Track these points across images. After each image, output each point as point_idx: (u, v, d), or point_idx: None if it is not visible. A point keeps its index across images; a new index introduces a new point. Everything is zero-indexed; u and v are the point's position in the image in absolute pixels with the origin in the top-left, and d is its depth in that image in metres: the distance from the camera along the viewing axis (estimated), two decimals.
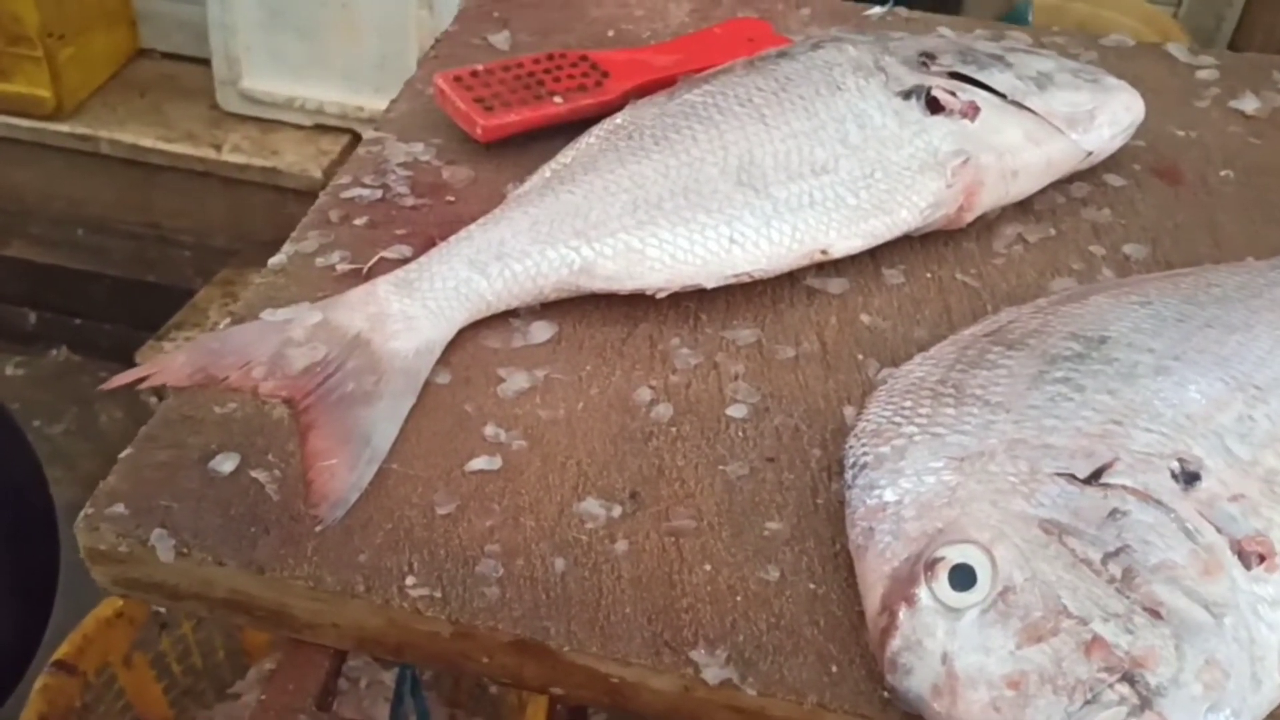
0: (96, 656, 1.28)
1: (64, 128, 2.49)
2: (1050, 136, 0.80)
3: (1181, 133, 0.93)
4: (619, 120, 0.80)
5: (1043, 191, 0.84)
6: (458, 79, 0.86)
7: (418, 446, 0.65)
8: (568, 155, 0.78)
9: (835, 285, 0.77)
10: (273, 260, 0.75)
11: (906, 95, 0.79)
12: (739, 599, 0.59)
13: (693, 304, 0.75)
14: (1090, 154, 0.82)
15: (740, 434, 0.67)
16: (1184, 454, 0.57)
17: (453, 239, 0.73)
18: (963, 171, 0.77)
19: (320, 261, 0.75)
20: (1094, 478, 0.56)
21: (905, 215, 0.76)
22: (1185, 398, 0.60)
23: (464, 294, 0.70)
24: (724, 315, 0.74)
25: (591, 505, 0.62)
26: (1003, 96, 0.80)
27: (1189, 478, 0.56)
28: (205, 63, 2.51)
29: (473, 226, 0.73)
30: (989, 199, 0.79)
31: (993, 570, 0.52)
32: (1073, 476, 0.56)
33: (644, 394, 0.69)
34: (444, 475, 0.63)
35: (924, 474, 0.58)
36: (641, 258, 0.72)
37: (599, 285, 0.72)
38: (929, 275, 0.78)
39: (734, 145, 0.76)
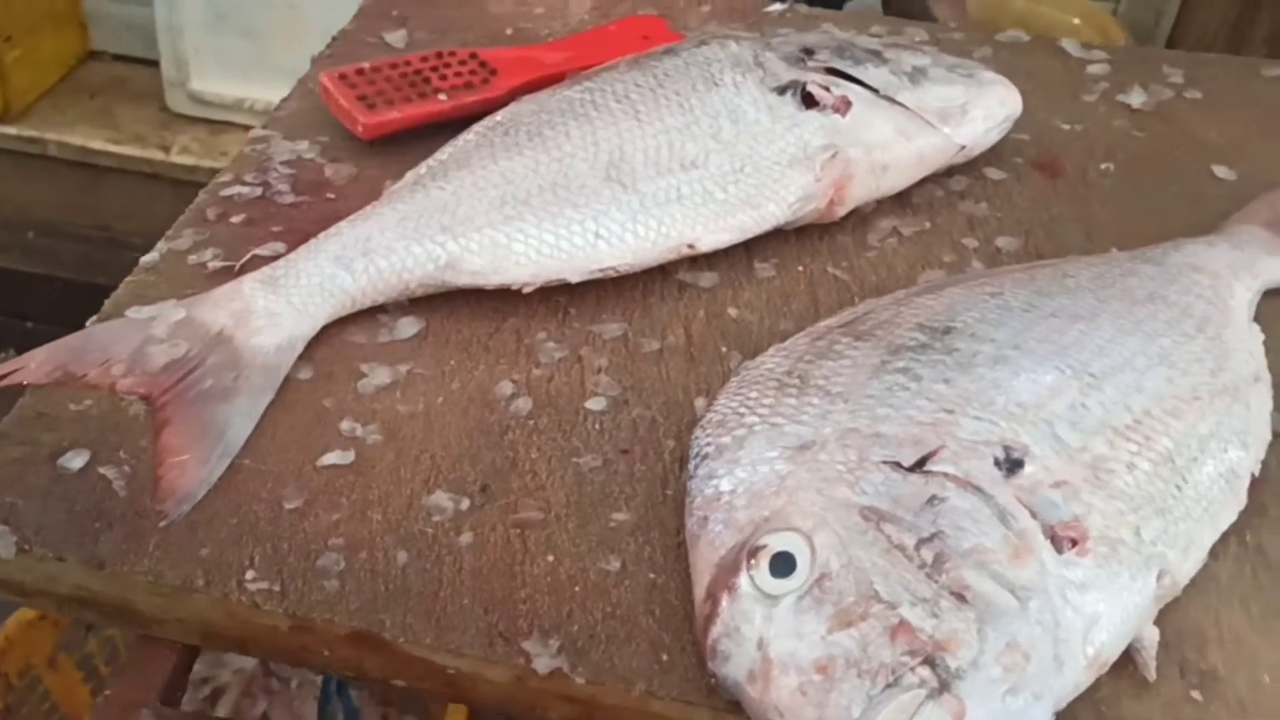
0: (19, 659, 1.28)
1: (11, 130, 2.48)
2: (921, 130, 0.81)
3: (1066, 126, 0.94)
4: (499, 117, 0.81)
5: (921, 185, 0.85)
6: (342, 76, 0.87)
7: (273, 442, 0.65)
8: (445, 152, 0.79)
9: (706, 279, 0.77)
10: (145, 258, 0.76)
11: (782, 90, 0.80)
12: (577, 589, 0.59)
13: (563, 298, 0.75)
14: (964, 147, 0.83)
15: (597, 426, 0.68)
16: (1010, 441, 0.58)
17: (321, 235, 0.73)
18: (830, 165, 0.78)
19: (193, 259, 0.76)
20: (918, 465, 0.57)
21: (773, 209, 0.77)
22: (1019, 386, 0.61)
23: (328, 290, 0.71)
24: (593, 309, 0.75)
25: (440, 498, 0.63)
26: (875, 91, 0.81)
27: (1012, 464, 0.57)
28: (156, 64, 2.51)
29: (342, 223, 0.74)
30: (860, 192, 0.80)
31: (811, 557, 0.53)
32: (898, 464, 0.57)
33: (505, 388, 0.69)
34: (296, 470, 0.64)
35: (759, 464, 0.59)
36: (507, 253, 0.72)
37: (465, 280, 0.72)
38: (800, 268, 0.79)
39: (605, 141, 0.77)
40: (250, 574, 0.59)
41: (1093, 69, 1.00)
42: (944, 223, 0.83)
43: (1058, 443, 0.59)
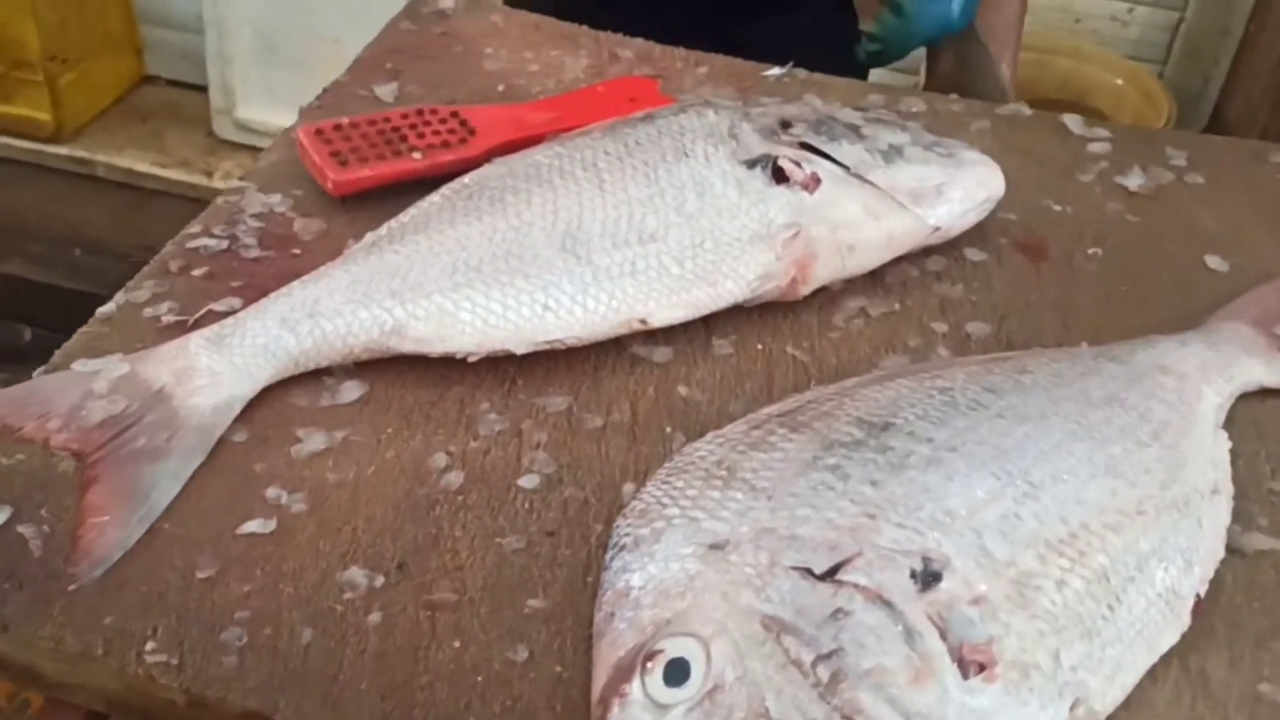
0: None
1: (63, 150, 2.55)
2: (892, 211, 0.79)
3: (1057, 207, 0.91)
4: (466, 179, 0.81)
5: (896, 264, 0.83)
6: (318, 131, 0.87)
7: (196, 505, 0.65)
8: (408, 214, 0.78)
9: (660, 354, 0.76)
10: (101, 309, 0.76)
11: (752, 164, 0.79)
12: (480, 679, 0.58)
13: (512, 368, 0.74)
14: (938, 229, 0.81)
15: (526, 505, 0.66)
16: (931, 552, 0.56)
17: (272, 295, 0.73)
18: (792, 244, 0.76)
19: (148, 312, 0.76)
20: (830, 573, 0.54)
21: (731, 286, 0.75)
22: (950, 492, 0.59)
23: (272, 351, 0.70)
24: (541, 380, 0.74)
25: (355, 574, 0.62)
26: (847, 169, 0.79)
27: (930, 577, 0.55)
28: (206, 91, 2.56)
29: (295, 283, 0.73)
30: (825, 272, 0.78)
31: (707, 667, 0.51)
32: (809, 571, 0.55)
33: (439, 459, 0.68)
34: (215, 537, 0.63)
35: (671, 560, 0.57)
36: (454, 321, 0.72)
37: (409, 348, 0.72)
38: (760, 347, 0.77)
39: (565, 210, 0.76)
40: (150, 645, 0.58)
41: (1093, 147, 0.97)
42: (915, 305, 0.81)
43: (984, 555, 0.56)
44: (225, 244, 0.81)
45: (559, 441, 0.70)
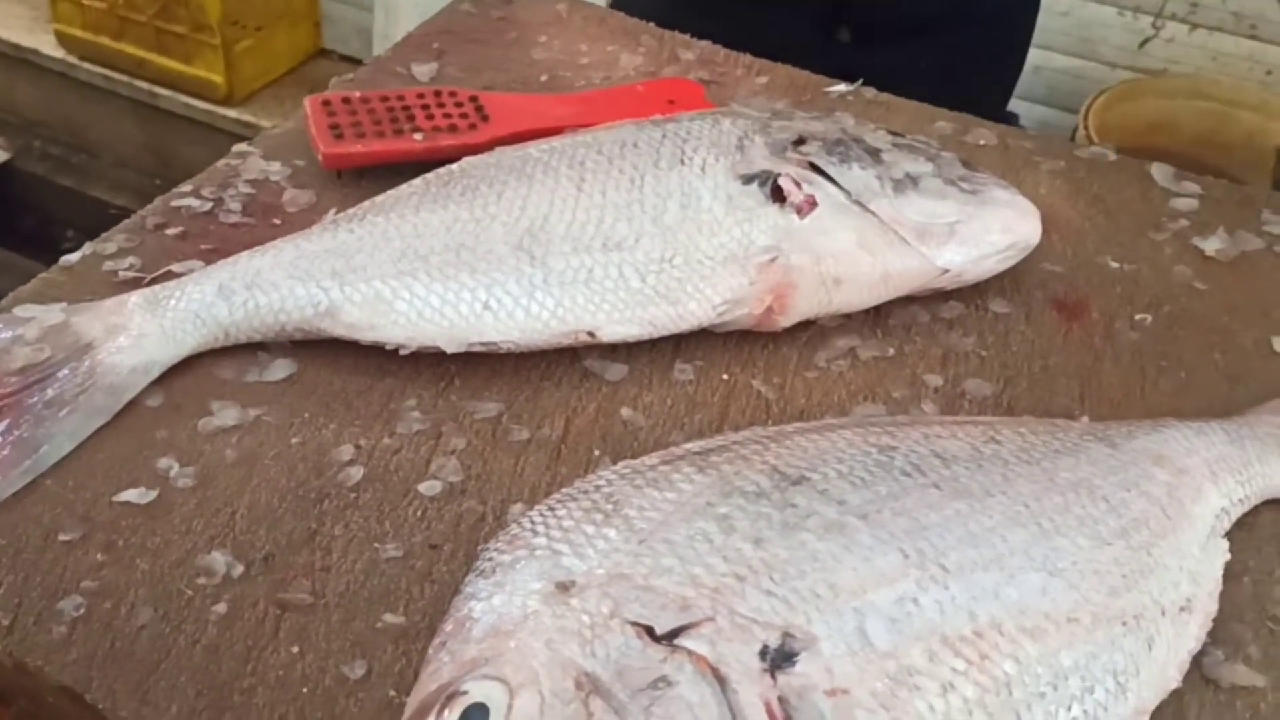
0: None
1: (232, 113, 2.65)
2: (891, 246, 0.71)
3: (1115, 264, 0.81)
4: (454, 166, 0.77)
5: (905, 305, 0.75)
6: (325, 103, 0.85)
7: (86, 465, 0.63)
8: (384, 195, 0.75)
9: (614, 371, 0.70)
10: (64, 258, 0.75)
11: (750, 180, 0.72)
12: (305, 691, 0.54)
13: (453, 366, 0.70)
14: (946, 271, 0.72)
15: (419, 513, 0.62)
16: (796, 628, 0.48)
17: (220, 262, 0.71)
18: (768, 270, 0.69)
19: (109, 265, 0.74)
20: (670, 635, 0.48)
21: (694, 308, 0.69)
22: (842, 564, 0.51)
23: (202, 319, 0.68)
24: (479, 384, 0.69)
25: (216, 559, 0.58)
26: (848, 194, 0.71)
27: (783, 657, 0.47)
28: None
29: (245, 252, 0.71)
30: (806, 305, 0.71)
31: (506, 717, 0.46)
32: (648, 629, 0.48)
33: (344, 452, 0.64)
34: (91, 500, 0.61)
35: (515, 594, 0.51)
36: (388, 310, 0.68)
37: (341, 331, 0.68)
38: (725, 377, 0.71)
39: (533, 207, 0.71)
40: None
41: (1177, 203, 0.87)
42: (913, 352, 0.73)
43: (860, 641, 0.49)
44: (209, 206, 0.80)
45: (476, 450, 0.65)
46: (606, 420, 0.67)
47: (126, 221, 0.79)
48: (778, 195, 0.72)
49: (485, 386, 0.69)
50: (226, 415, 0.66)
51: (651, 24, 1.04)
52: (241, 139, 0.89)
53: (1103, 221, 0.85)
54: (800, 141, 0.75)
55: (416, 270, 0.68)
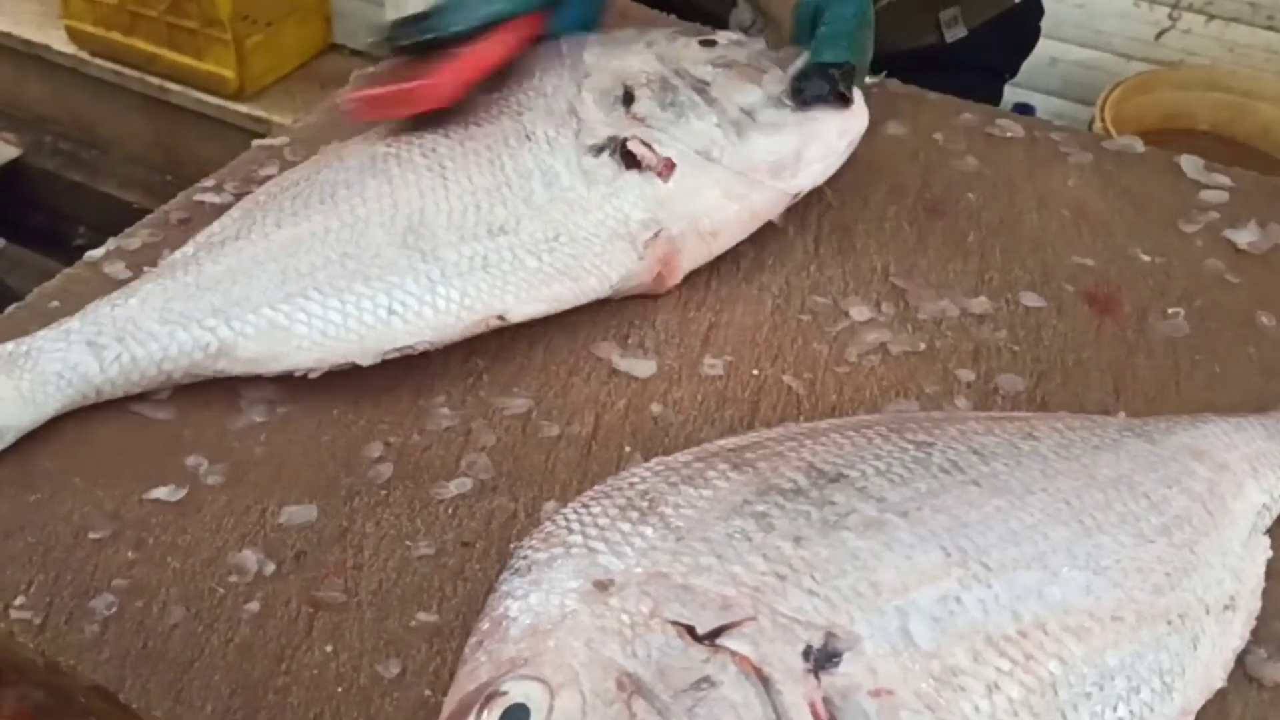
0: None
1: (243, 108, 2.64)
2: (751, 188, 0.73)
3: (1146, 257, 0.80)
4: (294, 174, 0.74)
5: (936, 299, 0.75)
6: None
7: (114, 463, 0.62)
8: (230, 215, 0.72)
9: (643, 367, 0.70)
10: (90, 253, 0.75)
11: (598, 150, 0.72)
12: (340, 690, 0.53)
13: (481, 360, 0.69)
14: (800, 194, 0.76)
15: (450, 511, 0.61)
16: (839, 628, 0.48)
17: (79, 314, 0.66)
18: (655, 244, 0.71)
19: (133, 261, 0.74)
20: (713, 635, 0.47)
21: (594, 284, 0.70)
22: (884, 562, 0.51)
23: (67, 380, 0.63)
24: (509, 378, 0.69)
25: (247, 557, 0.58)
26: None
27: (827, 657, 0.47)
28: None
29: (102, 302, 0.67)
30: (689, 262, 0.74)
31: (547, 718, 0.45)
32: (689, 629, 0.48)
33: (374, 449, 0.64)
34: (120, 498, 0.61)
35: (553, 593, 0.51)
36: (288, 336, 0.65)
37: (241, 369, 0.65)
38: (755, 372, 0.70)
39: (405, 203, 0.70)
40: (20, 600, 0.56)
41: (1207, 195, 0.86)
42: (944, 347, 0.72)
43: (904, 641, 0.48)
44: (231, 200, 0.79)
45: (506, 447, 0.65)
46: (637, 416, 0.67)
47: (150, 216, 0.78)
48: (631, 161, 0.72)
49: (514, 382, 0.69)
50: (255, 411, 0.65)
51: (673, 15, 1.03)
52: (252, 134, 0.88)
53: (1132, 214, 0.84)
54: (629, 99, 0.74)
55: (306, 289, 0.66)
